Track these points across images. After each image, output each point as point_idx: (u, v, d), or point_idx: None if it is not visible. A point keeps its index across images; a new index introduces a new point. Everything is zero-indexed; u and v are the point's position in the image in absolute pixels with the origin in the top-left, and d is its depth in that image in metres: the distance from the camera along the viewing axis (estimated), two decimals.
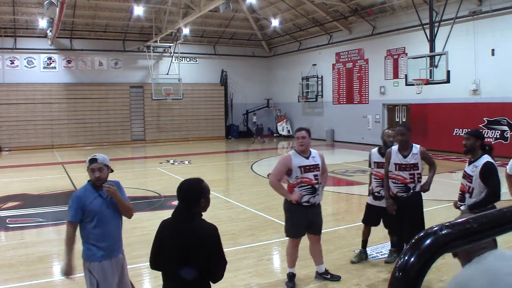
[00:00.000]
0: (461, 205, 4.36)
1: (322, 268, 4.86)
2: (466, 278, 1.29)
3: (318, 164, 4.71)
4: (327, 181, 5.07)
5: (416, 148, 4.89)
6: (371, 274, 5.01)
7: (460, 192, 4.41)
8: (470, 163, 4.33)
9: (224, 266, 2.68)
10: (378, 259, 5.48)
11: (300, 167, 4.61)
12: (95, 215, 3.34)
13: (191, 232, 2.62)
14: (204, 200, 2.68)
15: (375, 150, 5.58)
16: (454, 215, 6.87)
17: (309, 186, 4.59)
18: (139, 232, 6.87)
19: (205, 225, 2.68)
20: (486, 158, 4.21)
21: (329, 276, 4.83)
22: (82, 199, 3.36)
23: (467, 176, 4.30)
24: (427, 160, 5.02)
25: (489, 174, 4.12)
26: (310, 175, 4.61)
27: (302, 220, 4.64)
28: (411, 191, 4.86)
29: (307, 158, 4.72)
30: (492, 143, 15.18)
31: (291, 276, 4.73)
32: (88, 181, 3.46)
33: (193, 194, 2.67)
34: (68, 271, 3.39)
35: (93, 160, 3.45)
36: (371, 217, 5.48)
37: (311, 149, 4.85)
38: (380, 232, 6.81)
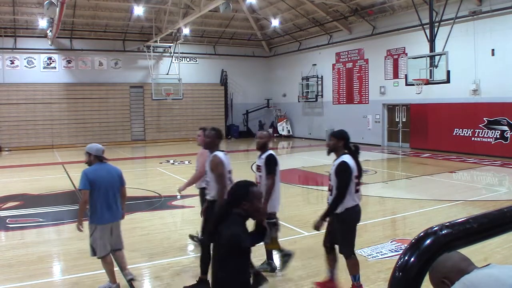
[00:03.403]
0: (328, 203, 4.44)
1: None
2: (473, 280, 1.29)
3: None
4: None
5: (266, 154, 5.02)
6: (371, 274, 5.02)
7: (328, 191, 4.49)
8: (334, 162, 4.44)
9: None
10: (378, 259, 5.48)
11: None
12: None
13: (219, 231, 2.63)
14: (247, 204, 2.62)
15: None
16: (454, 215, 6.90)
17: None
18: (139, 232, 6.88)
19: (227, 230, 2.59)
20: (343, 158, 4.29)
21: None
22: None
23: (330, 175, 4.42)
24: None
25: (339, 173, 4.22)
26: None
27: None
28: None
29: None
30: (492, 143, 15.19)
31: None
32: None
33: (236, 194, 2.66)
34: None
35: None
36: None
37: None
38: (380, 232, 6.82)
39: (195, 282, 4.72)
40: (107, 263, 4.55)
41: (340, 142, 4.37)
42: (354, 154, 4.39)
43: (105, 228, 4.51)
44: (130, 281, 4.68)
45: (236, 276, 2.61)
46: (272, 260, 5.25)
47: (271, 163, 4.91)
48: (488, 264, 1.39)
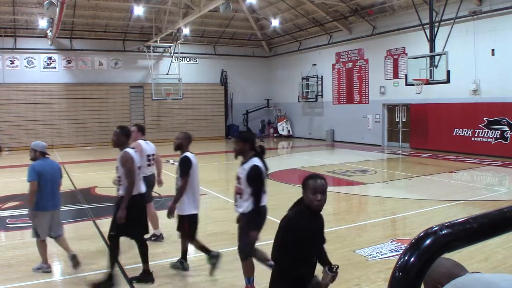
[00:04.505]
0: (235, 205, 4.42)
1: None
2: (464, 282, 1.29)
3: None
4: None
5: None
6: (371, 274, 5.01)
7: (235, 194, 4.44)
8: (241, 164, 4.38)
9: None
10: (378, 259, 5.48)
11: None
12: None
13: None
14: (304, 194, 2.83)
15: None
16: (454, 215, 6.91)
17: None
18: None
19: (289, 214, 2.92)
20: (253, 161, 4.25)
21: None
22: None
23: (238, 178, 4.36)
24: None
25: (253, 178, 4.19)
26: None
27: None
28: None
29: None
30: (492, 143, 15.19)
31: None
32: None
33: (302, 184, 2.88)
34: None
35: None
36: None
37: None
38: (380, 232, 6.82)
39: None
40: (43, 246, 5.17)
41: (246, 145, 4.34)
42: (261, 156, 4.38)
43: (48, 215, 5.12)
44: (73, 258, 5.12)
45: None
46: (185, 260, 5.26)
47: (184, 165, 4.95)
48: (478, 272, 1.40)
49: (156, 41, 22.71)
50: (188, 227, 5.00)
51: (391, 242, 6.12)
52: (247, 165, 4.24)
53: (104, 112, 23.01)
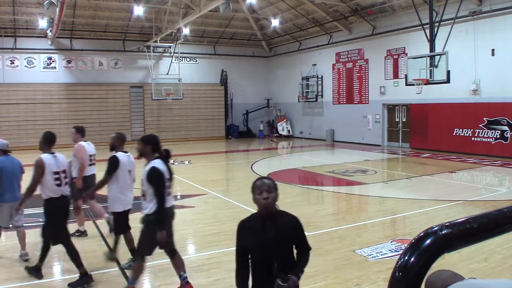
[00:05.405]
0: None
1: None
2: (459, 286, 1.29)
3: None
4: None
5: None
6: (371, 274, 5.01)
7: (141, 196, 4.52)
8: (144, 166, 4.48)
9: None
10: (378, 259, 5.48)
11: None
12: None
13: None
14: (253, 197, 2.79)
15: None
16: (454, 215, 6.91)
17: None
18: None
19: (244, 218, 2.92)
20: (154, 163, 4.34)
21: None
22: None
23: (142, 180, 4.44)
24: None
25: (152, 179, 4.26)
26: None
27: None
28: None
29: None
30: (492, 143, 15.19)
31: None
32: None
33: (251, 189, 2.84)
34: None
35: None
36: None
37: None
38: (380, 232, 6.82)
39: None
40: None
41: (147, 147, 4.45)
42: (165, 159, 4.47)
43: (8, 206, 5.59)
44: (24, 256, 5.63)
45: None
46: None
47: (110, 164, 5.18)
48: (474, 278, 1.41)
49: (156, 41, 22.71)
50: (114, 221, 5.41)
51: (391, 242, 6.12)
52: (147, 167, 4.36)
53: (104, 112, 23.00)
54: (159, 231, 4.22)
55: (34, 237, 7.04)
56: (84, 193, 6.12)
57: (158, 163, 4.35)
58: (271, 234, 2.65)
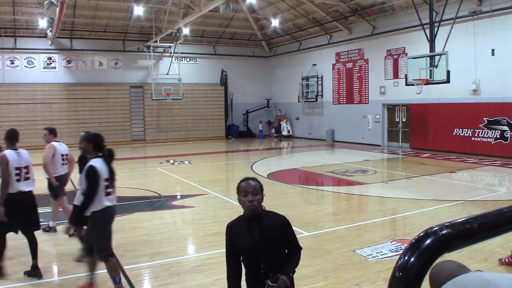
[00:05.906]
0: None
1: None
2: (463, 281, 1.29)
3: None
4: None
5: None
6: (371, 274, 5.01)
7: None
8: None
9: None
10: (378, 259, 5.48)
11: None
12: None
13: None
14: (239, 199, 2.79)
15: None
16: (454, 215, 6.91)
17: None
18: (140, 232, 6.88)
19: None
20: (92, 162, 4.35)
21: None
22: None
23: (79, 179, 4.54)
24: None
25: (86, 177, 4.28)
26: None
27: None
28: None
29: None
30: (492, 143, 15.19)
31: None
32: None
33: (236, 190, 2.87)
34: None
35: None
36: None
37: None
38: (380, 232, 6.83)
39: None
40: None
41: (89, 145, 4.48)
42: (107, 158, 4.47)
43: None
44: None
45: None
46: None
47: (81, 163, 5.31)
48: (480, 271, 1.40)
49: (156, 41, 22.71)
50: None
51: (391, 242, 6.12)
52: (87, 165, 4.38)
53: (104, 112, 23.00)
54: (68, 223, 4.43)
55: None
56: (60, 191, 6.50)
57: (97, 162, 4.35)
58: (257, 235, 2.65)
